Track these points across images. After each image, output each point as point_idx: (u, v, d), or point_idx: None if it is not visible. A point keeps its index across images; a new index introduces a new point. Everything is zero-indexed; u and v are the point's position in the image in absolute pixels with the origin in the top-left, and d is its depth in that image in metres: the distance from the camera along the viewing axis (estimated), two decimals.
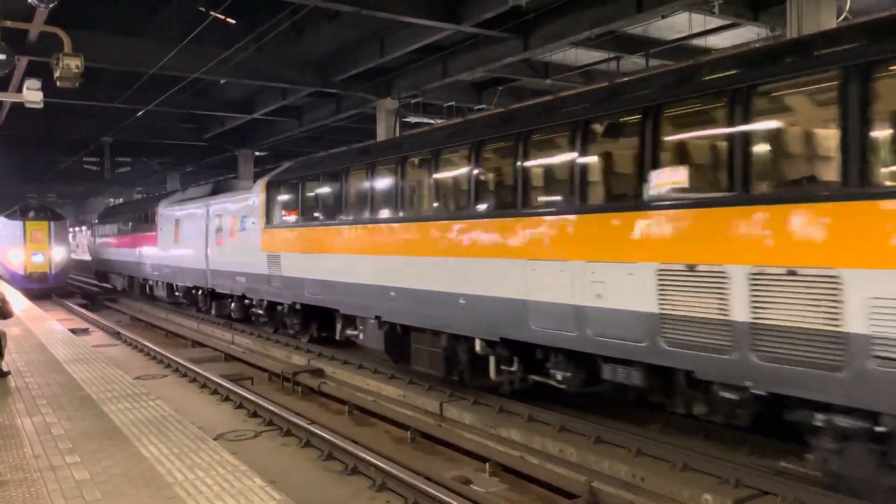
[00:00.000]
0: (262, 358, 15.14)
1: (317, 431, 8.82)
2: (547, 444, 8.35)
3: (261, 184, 16.23)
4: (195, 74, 18.34)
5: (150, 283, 25.73)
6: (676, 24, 15.78)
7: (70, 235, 44.65)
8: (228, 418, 10.31)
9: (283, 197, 15.22)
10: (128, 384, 9.12)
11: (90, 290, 32.82)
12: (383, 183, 11.66)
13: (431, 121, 22.78)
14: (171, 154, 36.65)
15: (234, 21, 16.97)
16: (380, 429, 9.90)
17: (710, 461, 7.16)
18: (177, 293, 23.04)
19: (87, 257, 54.27)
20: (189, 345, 17.74)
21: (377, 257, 11.41)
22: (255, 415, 10.29)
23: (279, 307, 15.81)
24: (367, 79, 20.25)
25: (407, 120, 22.54)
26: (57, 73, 11.45)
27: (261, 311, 16.83)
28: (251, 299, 17.19)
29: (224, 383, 11.75)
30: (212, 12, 15.27)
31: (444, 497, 6.54)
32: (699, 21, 15.33)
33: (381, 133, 22.05)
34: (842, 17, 10.94)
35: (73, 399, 8.20)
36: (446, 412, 10.12)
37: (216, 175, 37.44)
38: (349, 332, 13.07)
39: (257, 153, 33.91)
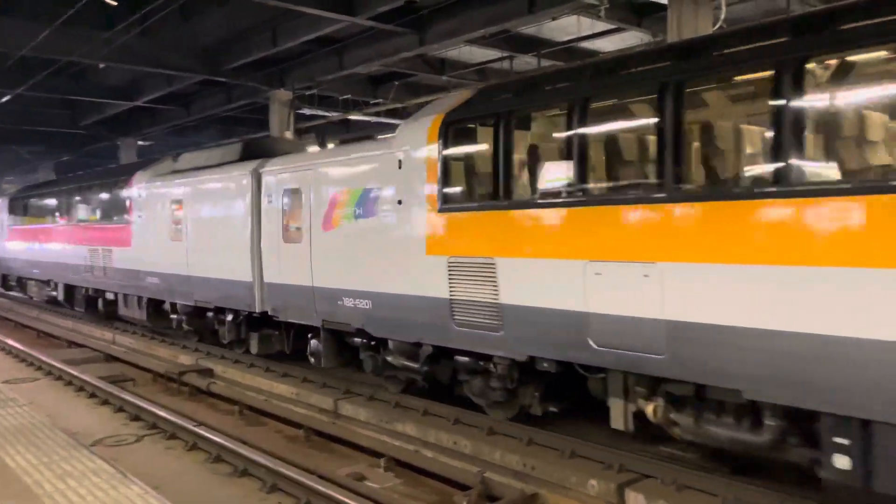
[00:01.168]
0: (146, 358, 14.40)
1: (204, 433, 8.48)
2: (441, 436, 8.42)
3: (425, 127, 8.52)
4: (70, 57, 17.20)
5: (112, 296, 17.78)
6: (567, 27, 16.33)
7: None
8: (107, 423, 9.75)
9: (501, 148, 7.61)
10: None
11: None
12: None
13: (327, 114, 22.48)
14: (45, 142, 34.26)
15: (115, 2, 15.99)
16: (272, 428, 9.66)
17: (595, 448, 7.45)
18: (174, 315, 14.97)
19: None
20: (64, 345, 16.63)
21: None
22: (137, 418, 9.78)
23: (460, 357, 8.55)
24: (259, 68, 19.71)
25: (302, 112, 22.12)
26: None
27: (415, 365, 9.29)
28: (375, 339, 9.91)
29: (102, 385, 11.09)
30: None
31: (336, 495, 6.45)
32: (587, 24, 15.92)
33: (275, 125, 21.54)
34: (717, 25, 11.65)
35: None
36: (341, 409, 9.99)
37: (97, 165, 35.22)
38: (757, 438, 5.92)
39: (140, 142, 32.34)
